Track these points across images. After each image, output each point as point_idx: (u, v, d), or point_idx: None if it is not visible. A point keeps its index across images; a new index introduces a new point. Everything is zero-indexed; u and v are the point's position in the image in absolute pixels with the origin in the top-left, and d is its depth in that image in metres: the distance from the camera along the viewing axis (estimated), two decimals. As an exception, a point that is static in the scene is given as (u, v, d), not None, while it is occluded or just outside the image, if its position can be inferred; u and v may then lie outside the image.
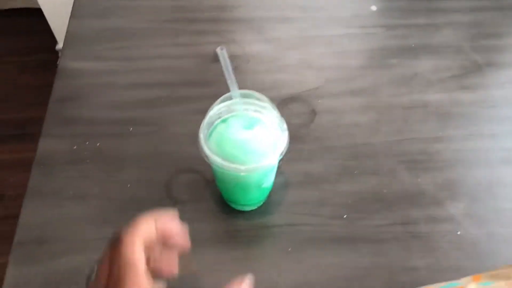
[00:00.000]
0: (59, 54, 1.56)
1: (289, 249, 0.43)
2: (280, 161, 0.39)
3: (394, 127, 0.52)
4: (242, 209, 0.45)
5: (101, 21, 0.65)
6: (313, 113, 0.54)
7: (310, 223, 0.45)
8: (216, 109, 0.39)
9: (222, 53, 0.37)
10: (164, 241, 0.28)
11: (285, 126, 0.39)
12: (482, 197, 0.47)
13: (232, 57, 0.59)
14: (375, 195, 0.47)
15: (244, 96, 0.39)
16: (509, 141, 0.52)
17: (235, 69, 0.58)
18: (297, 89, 0.56)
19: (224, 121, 0.39)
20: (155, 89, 0.56)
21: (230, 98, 0.39)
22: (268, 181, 0.42)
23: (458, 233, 0.44)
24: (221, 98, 0.39)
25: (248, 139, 0.37)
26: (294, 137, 0.53)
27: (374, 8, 0.66)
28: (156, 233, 0.27)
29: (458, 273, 0.40)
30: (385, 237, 0.44)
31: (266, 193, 0.45)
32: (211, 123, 0.39)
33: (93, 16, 0.65)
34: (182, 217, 0.29)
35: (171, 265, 0.28)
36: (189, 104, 0.54)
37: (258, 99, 0.39)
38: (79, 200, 0.46)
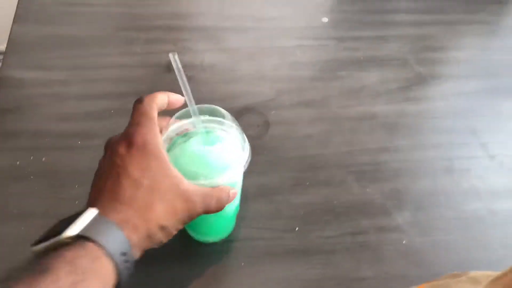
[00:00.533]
0: None
1: (243, 264, 0.43)
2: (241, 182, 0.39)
3: (344, 138, 0.54)
4: (207, 241, 0.44)
5: (47, 27, 0.62)
6: (267, 124, 0.55)
7: (264, 237, 0.45)
8: (175, 127, 0.38)
9: (175, 58, 0.36)
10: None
11: (247, 143, 0.38)
12: (426, 206, 0.49)
13: (187, 67, 0.59)
14: (326, 206, 0.48)
15: (204, 110, 0.38)
16: (451, 151, 0.54)
17: (190, 79, 0.57)
18: (251, 100, 0.57)
19: (183, 138, 0.38)
20: (105, 100, 0.54)
21: (186, 114, 0.37)
22: (233, 205, 0.41)
23: (404, 242, 0.46)
24: (177, 114, 0.38)
25: (208, 156, 0.36)
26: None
27: (325, 19, 0.67)
28: (167, 103, 0.36)
29: (404, 281, 0.43)
30: (335, 248, 0.45)
31: (232, 221, 0.44)
32: (169, 141, 0.37)
33: (39, 22, 0.62)
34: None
35: None
36: (140, 116, 0.53)
37: (220, 113, 0.38)
38: (23, 219, 0.44)
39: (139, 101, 0.35)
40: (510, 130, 0.57)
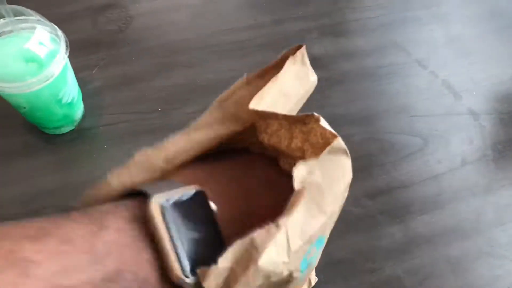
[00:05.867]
0: None
1: (105, 146, 0.45)
2: (66, 70, 0.39)
3: (208, 21, 0.54)
4: (58, 133, 0.45)
5: None
6: (130, 17, 0.54)
7: (127, 120, 0.46)
8: None
9: None
10: None
11: (60, 33, 0.38)
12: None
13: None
14: (189, 86, 0.49)
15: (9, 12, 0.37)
16: (320, 19, 0.56)
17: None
18: (111, -5, 0.55)
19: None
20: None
21: None
22: (68, 95, 0.41)
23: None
24: None
25: (23, 53, 0.36)
26: (110, 43, 0.53)
27: None
28: None
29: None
30: (197, 121, 0.47)
31: (74, 110, 0.44)
32: None
33: None
34: None
35: None
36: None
37: (26, 12, 0.37)
38: None
39: None
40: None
